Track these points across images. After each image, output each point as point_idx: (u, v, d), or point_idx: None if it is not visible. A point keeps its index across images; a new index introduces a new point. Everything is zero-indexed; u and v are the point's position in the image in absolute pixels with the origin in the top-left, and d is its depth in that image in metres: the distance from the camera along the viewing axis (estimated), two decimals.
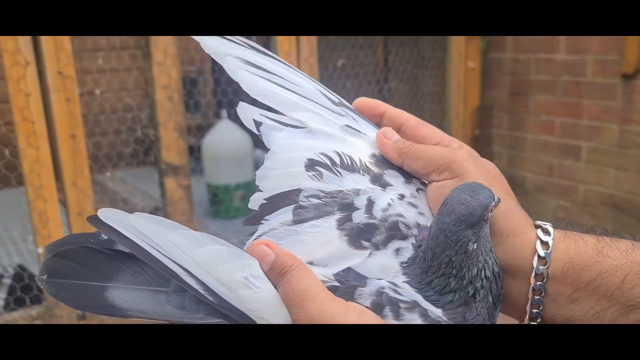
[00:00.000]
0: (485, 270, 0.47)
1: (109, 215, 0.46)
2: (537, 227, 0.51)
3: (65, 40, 1.98)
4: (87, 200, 2.14)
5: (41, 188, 2.01)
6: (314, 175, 0.52)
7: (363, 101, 0.60)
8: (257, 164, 3.74)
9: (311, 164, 0.52)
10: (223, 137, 3.21)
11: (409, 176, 0.54)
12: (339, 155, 0.53)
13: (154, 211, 2.87)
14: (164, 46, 2.16)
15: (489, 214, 0.47)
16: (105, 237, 0.48)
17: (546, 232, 0.50)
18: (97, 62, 2.75)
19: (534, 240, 0.50)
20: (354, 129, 0.56)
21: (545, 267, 0.49)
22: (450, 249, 0.47)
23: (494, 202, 0.47)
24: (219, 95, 3.02)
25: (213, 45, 0.57)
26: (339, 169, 0.52)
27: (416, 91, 3.31)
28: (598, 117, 2.70)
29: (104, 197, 3.01)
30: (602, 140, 2.70)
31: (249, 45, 0.59)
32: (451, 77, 2.97)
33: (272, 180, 0.52)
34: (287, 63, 0.59)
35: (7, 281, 2.50)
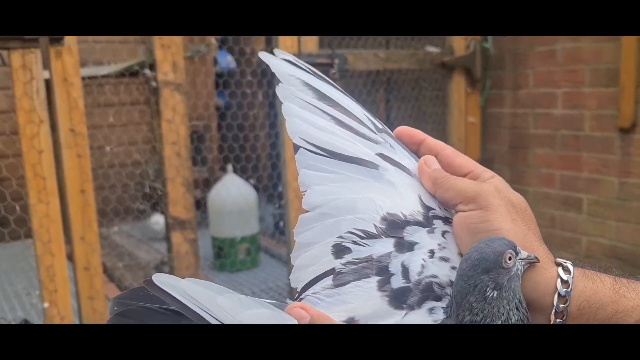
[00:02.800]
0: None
1: (163, 280, 0.49)
2: (558, 264, 0.52)
3: (79, 99, 2.04)
4: (95, 254, 2.16)
5: (49, 243, 2.03)
6: (343, 257, 0.54)
7: (403, 129, 0.63)
8: (263, 218, 3.77)
9: (337, 250, 0.55)
10: (229, 191, 3.25)
11: (428, 222, 0.56)
12: (361, 230, 0.55)
13: (160, 265, 2.88)
14: (173, 104, 2.23)
15: (507, 262, 0.49)
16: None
17: (566, 270, 0.52)
18: (108, 119, 2.83)
19: (555, 277, 0.51)
20: (387, 156, 0.59)
21: (566, 305, 0.50)
22: (470, 295, 0.49)
23: (510, 250, 0.49)
24: (225, 150, 3.08)
25: (277, 64, 0.61)
26: (365, 241, 0.55)
27: None
28: (597, 170, 2.74)
29: (111, 251, 3.03)
30: (603, 193, 2.73)
31: (309, 69, 0.63)
32: (452, 132, 3.03)
33: (307, 277, 0.55)
34: (340, 89, 0.63)
35: None
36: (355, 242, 0.54)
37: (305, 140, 0.58)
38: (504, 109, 3.12)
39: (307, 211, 0.58)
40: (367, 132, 0.60)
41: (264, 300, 0.52)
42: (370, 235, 0.55)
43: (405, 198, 0.57)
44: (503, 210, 0.53)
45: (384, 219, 0.55)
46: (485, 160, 3.22)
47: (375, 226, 0.55)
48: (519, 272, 0.50)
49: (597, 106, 2.70)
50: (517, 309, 0.49)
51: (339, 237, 0.55)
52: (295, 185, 2.41)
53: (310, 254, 0.56)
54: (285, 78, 0.60)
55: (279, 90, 0.60)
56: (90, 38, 2.73)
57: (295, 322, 0.48)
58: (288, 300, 0.54)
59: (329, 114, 0.60)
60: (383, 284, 0.52)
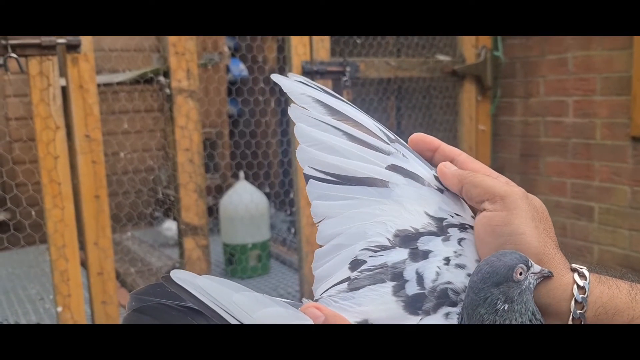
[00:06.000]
0: None
1: (181, 276, 0.50)
2: (574, 270, 0.53)
3: (95, 106, 2.08)
4: (108, 260, 2.18)
5: (64, 247, 2.06)
6: (359, 268, 0.55)
7: (419, 136, 0.63)
8: (274, 224, 3.78)
9: (353, 265, 0.55)
10: (240, 197, 3.27)
11: (443, 231, 0.56)
12: (375, 245, 0.56)
13: (172, 270, 2.89)
14: (186, 111, 2.25)
15: (517, 277, 0.49)
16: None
17: (582, 276, 0.52)
18: (122, 125, 2.87)
19: (571, 283, 0.51)
20: (400, 167, 0.59)
21: (583, 311, 0.50)
22: (480, 307, 0.49)
23: (521, 264, 0.49)
24: (237, 157, 3.11)
25: (289, 85, 0.62)
26: (380, 252, 0.55)
27: None
28: (609, 178, 2.73)
29: (123, 256, 3.05)
30: (614, 202, 2.72)
31: (320, 87, 0.64)
32: (463, 140, 3.04)
33: (324, 288, 0.56)
34: (351, 104, 0.64)
35: None
36: (370, 256, 0.55)
37: (314, 168, 0.59)
38: (515, 117, 3.12)
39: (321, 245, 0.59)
40: (379, 144, 0.60)
41: (280, 299, 0.52)
42: (384, 248, 0.55)
43: (415, 213, 0.57)
44: (528, 215, 0.53)
45: (396, 235, 0.56)
46: (496, 169, 3.19)
47: (389, 240, 0.56)
48: (531, 285, 0.51)
49: (608, 114, 2.69)
50: (530, 321, 0.50)
51: (355, 256, 0.56)
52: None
53: (327, 272, 0.57)
54: (297, 97, 0.61)
55: (291, 111, 0.61)
56: (106, 46, 2.78)
57: (310, 321, 0.49)
58: (304, 300, 0.54)
59: (340, 130, 0.60)
60: (398, 290, 0.52)
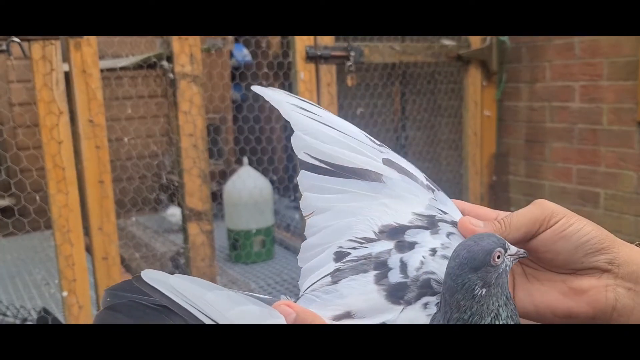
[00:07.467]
0: (498, 321, 0.49)
1: (152, 276, 0.49)
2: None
3: (97, 91, 2.07)
4: (112, 244, 2.19)
5: (68, 232, 2.07)
6: (343, 259, 0.55)
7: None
8: (277, 210, 3.79)
9: (338, 257, 0.56)
10: (244, 183, 3.28)
11: (433, 225, 0.56)
12: (361, 238, 0.56)
13: (176, 256, 2.91)
14: (190, 96, 2.24)
15: (495, 261, 0.49)
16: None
17: None
18: (126, 111, 2.87)
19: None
20: (393, 162, 0.60)
21: None
22: (458, 293, 0.48)
23: (499, 248, 0.49)
24: (241, 142, 3.11)
25: (271, 94, 0.63)
26: (365, 245, 0.56)
27: (433, 139, 3.36)
28: (615, 164, 2.71)
29: (128, 241, 3.07)
30: (620, 187, 2.71)
31: (302, 99, 0.65)
32: (467, 125, 3.02)
33: (309, 282, 0.56)
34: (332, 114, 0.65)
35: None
36: (354, 248, 0.56)
37: (309, 155, 0.60)
38: (520, 103, 3.10)
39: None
40: (370, 143, 0.62)
41: (255, 295, 0.52)
42: (369, 240, 0.56)
43: (406, 209, 0.58)
44: (568, 210, 0.56)
45: (381, 231, 0.56)
46: (501, 154, 3.20)
47: (375, 233, 0.56)
48: (507, 268, 0.50)
49: (615, 100, 2.67)
50: (505, 305, 0.50)
51: (339, 247, 0.56)
52: None
53: (310, 265, 0.57)
54: (280, 104, 0.63)
55: (284, 111, 0.62)
56: None
57: (282, 318, 0.48)
58: (282, 296, 0.53)
59: (331, 126, 0.62)
60: (380, 278, 0.52)
